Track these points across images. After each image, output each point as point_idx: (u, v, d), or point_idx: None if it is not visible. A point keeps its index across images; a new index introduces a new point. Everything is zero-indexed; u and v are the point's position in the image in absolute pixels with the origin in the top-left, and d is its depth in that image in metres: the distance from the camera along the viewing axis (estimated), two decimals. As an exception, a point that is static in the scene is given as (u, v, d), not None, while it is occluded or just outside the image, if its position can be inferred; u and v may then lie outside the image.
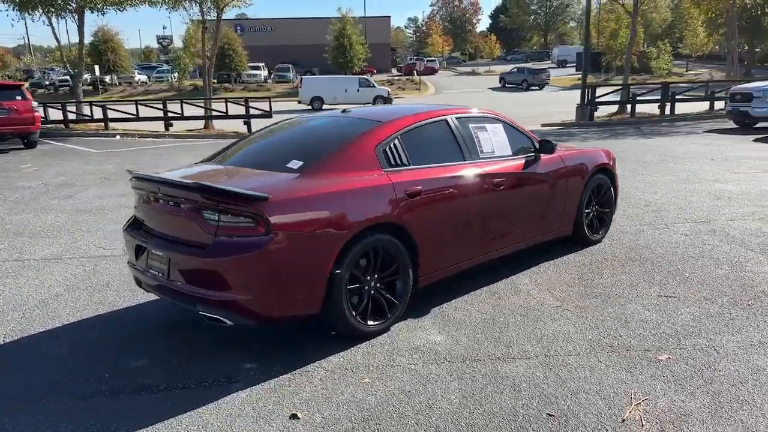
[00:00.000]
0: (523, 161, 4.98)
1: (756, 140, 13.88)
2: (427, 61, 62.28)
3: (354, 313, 3.76)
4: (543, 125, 20.53)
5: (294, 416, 3.04)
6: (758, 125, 16.29)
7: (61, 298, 4.87)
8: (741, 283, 4.66)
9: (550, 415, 2.95)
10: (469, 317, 4.20)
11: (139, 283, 4.16)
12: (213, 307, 3.48)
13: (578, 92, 39.49)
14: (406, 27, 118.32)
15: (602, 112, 21.43)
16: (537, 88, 46.02)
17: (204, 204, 3.47)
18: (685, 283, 4.72)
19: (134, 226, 4.16)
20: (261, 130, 5.00)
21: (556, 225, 5.37)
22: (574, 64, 62.41)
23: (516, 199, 4.86)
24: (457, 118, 4.69)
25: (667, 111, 21.08)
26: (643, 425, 2.84)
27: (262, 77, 54.96)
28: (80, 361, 3.76)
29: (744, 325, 3.91)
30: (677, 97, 21.48)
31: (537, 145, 5.17)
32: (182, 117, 20.51)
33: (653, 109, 21.57)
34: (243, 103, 20.80)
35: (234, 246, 3.39)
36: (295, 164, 3.88)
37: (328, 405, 3.13)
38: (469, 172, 4.46)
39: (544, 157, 5.16)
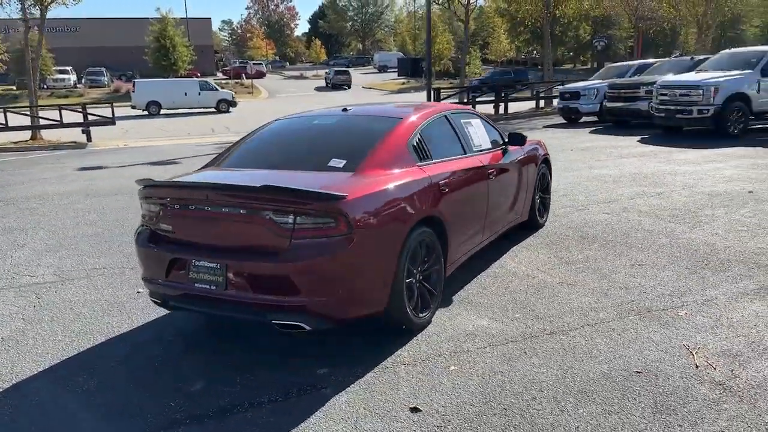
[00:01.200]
0: (501, 152, 5.34)
1: (591, 132, 15.93)
2: (254, 64, 61.18)
3: (410, 306, 3.80)
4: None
5: (415, 409, 3.04)
6: (583, 120, 18.71)
7: (29, 332, 4.20)
8: (685, 248, 5.47)
9: (638, 372, 3.30)
10: (492, 300, 4.44)
11: (164, 302, 3.77)
12: (290, 314, 3.32)
13: (406, 95, 41.80)
14: (220, 30, 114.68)
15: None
16: (346, 87, 50.61)
17: (275, 206, 3.28)
18: (643, 252, 5.42)
19: (154, 239, 3.75)
20: (254, 133, 4.74)
21: (521, 211, 5.82)
22: (396, 70, 65.53)
23: (502, 188, 5.20)
24: (452, 113, 4.90)
25: (501, 110, 23.22)
26: (715, 368, 3.30)
27: (71, 82, 49.93)
28: (125, 393, 3.33)
29: (717, 281, 4.64)
30: (510, 97, 23.77)
31: (506, 138, 5.57)
32: (7, 127, 17.95)
33: (488, 108, 23.60)
34: (80, 110, 18.83)
35: (314, 248, 3.26)
36: (338, 163, 3.81)
37: (438, 394, 3.17)
38: (473, 163, 4.70)
39: (512, 148, 5.57)
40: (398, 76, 61.95)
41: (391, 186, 3.68)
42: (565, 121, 19.12)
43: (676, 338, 3.69)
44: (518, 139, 5.52)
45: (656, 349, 3.56)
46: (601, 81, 18.73)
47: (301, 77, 64.23)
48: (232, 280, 3.39)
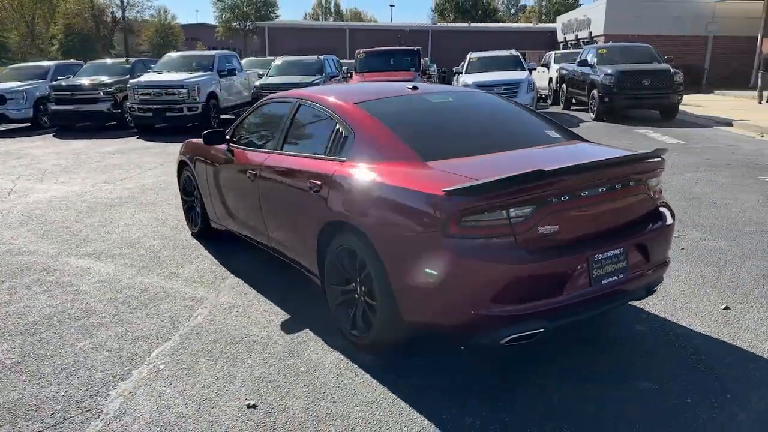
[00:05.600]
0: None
1: (66, 138, 14.32)
2: None
3: None
4: None
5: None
6: (13, 127, 16.17)
7: None
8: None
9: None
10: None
11: (547, 328, 2.97)
12: (661, 275, 3.49)
13: None
14: None
15: None
16: None
17: (655, 171, 3.37)
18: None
19: (535, 251, 2.89)
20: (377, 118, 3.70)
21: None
22: None
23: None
24: None
25: None
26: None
27: None
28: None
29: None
30: None
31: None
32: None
33: None
34: None
35: (663, 207, 3.51)
36: (553, 134, 3.93)
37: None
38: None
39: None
40: None
41: None
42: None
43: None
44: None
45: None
46: (21, 83, 16.42)
47: None
48: (631, 262, 3.18)
